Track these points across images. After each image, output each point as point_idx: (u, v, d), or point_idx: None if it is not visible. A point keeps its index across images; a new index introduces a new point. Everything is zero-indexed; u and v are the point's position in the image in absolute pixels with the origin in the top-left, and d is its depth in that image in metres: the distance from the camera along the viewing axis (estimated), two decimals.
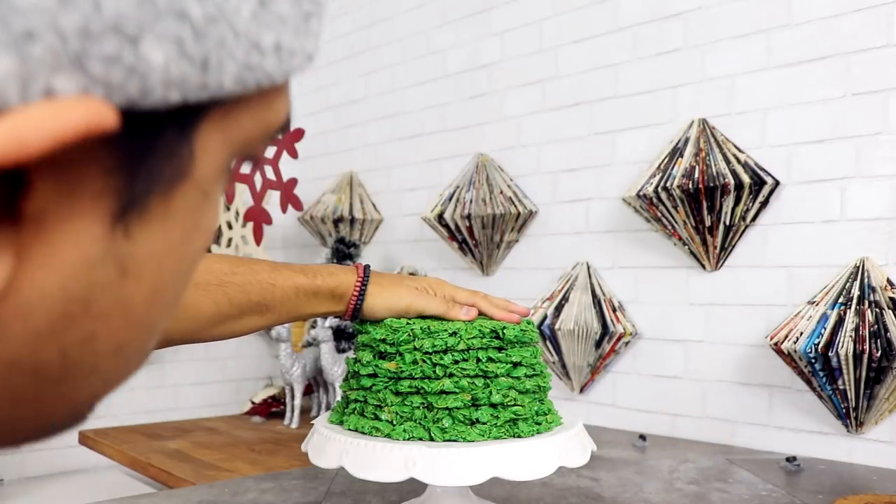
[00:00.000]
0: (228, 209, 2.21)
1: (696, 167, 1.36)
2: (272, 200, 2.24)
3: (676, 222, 1.41)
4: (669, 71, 1.49)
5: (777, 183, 1.32)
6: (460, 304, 0.81)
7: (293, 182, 1.95)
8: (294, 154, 1.98)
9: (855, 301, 1.19)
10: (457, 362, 0.71)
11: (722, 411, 1.40)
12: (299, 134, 1.98)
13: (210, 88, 0.21)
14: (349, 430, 0.74)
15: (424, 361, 0.71)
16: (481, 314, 0.80)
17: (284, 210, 1.95)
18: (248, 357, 2.41)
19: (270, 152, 1.94)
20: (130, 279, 0.22)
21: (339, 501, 0.96)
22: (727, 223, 1.36)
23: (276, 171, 1.94)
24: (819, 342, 1.18)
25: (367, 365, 0.74)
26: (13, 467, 1.96)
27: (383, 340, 0.73)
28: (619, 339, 1.51)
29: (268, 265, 0.80)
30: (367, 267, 0.83)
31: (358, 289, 0.81)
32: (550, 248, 1.70)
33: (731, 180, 1.31)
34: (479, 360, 0.72)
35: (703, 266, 1.43)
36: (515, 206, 1.69)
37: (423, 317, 0.77)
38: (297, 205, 1.97)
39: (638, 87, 1.54)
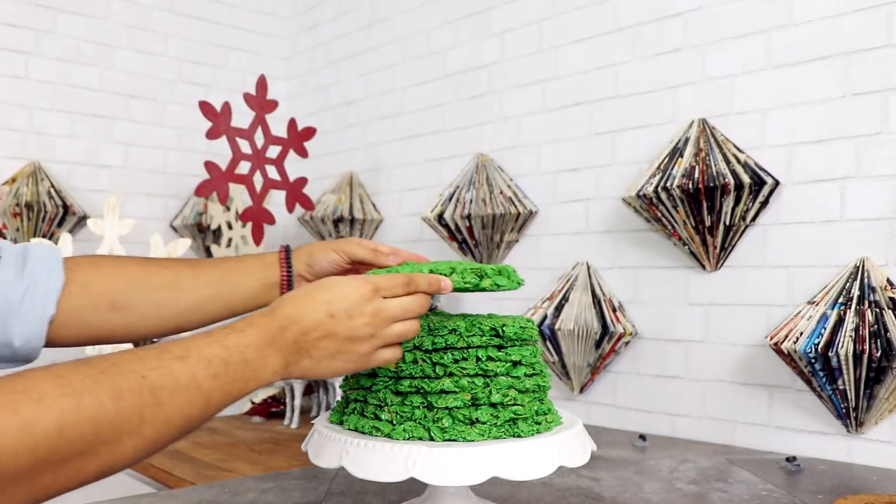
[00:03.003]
0: (228, 209, 2.21)
1: (696, 167, 1.36)
2: (273, 200, 2.24)
3: (676, 222, 1.41)
4: (669, 71, 1.49)
5: (777, 183, 1.32)
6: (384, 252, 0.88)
7: (302, 181, 1.94)
8: (304, 153, 1.96)
9: (855, 301, 1.19)
10: (457, 361, 0.71)
11: (722, 411, 1.40)
12: (309, 133, 1.96)
13: None
14: (349, 429, 0.74)
15: (424, 361, 0.71)
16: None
17: (291, 210, 1.94)
18: None
19: (274, 152, 1.93)
20: None
21: (339, 501, 0.96)
22: (727, 223, 1.36)
23: (281, 171, 1.93)
24: (819, 342, 1.18)
25: None
26: None
27: None
28: (619, 339, 1.51)
29: None
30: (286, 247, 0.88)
31: (284, 247, 0.87)
32: (550, 248, 1.70)
33: (731, 180, 1.31)
34: (478, 358, 0.72)
35: (703, 266, 1.43)
36: (515, 206, 1.69)
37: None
38: (308, 204, 1.96)
39: (638, 87, 1.54)
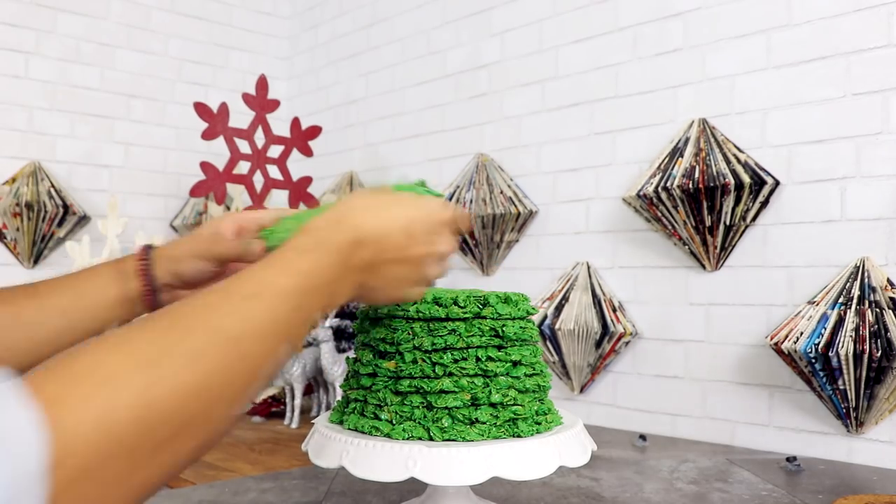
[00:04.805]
0: (228, 209, 2.21)
1: (697, 167, 1.36)
2: (273, 200, 2.23)
3: (676, 222, 1.41)
4: (669, 71, 1.49)
5: (777, 183, 1.32)
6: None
7: (306, 180, 1.93)
8: (308, 152, 1.95)
9: (855, 301, 1.19)
10: (456, 361, 0.71)
11: (722, 411, 1.40)
12: (314, 132, 1.95)
13: None
14: (349, 429, 0.74)
15: (424, 361, 0.71)
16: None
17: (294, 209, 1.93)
18: None
19: (276, 151, 1.93)
20: None
21: (339, 501, 0.96)
22: (727, 223, 1.36)
23: (284, 171, 1.92)
24: (819, 342, 1.18)
25: (366, 364, 0.74)
26: None
27: (383, 339, 0.73)
28: (619, 339, 1.51)
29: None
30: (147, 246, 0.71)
31: (144, 251, 0.70)
32: (550, 248, 1.70)
33: (731, 180, 1.31)
34: (478, 358, 0.71)
35: (703, 266, 1.43)
36: (515, 206, 1.69)
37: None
38: (312, 203, 1.95)
39: (638, 87, 1.54)
